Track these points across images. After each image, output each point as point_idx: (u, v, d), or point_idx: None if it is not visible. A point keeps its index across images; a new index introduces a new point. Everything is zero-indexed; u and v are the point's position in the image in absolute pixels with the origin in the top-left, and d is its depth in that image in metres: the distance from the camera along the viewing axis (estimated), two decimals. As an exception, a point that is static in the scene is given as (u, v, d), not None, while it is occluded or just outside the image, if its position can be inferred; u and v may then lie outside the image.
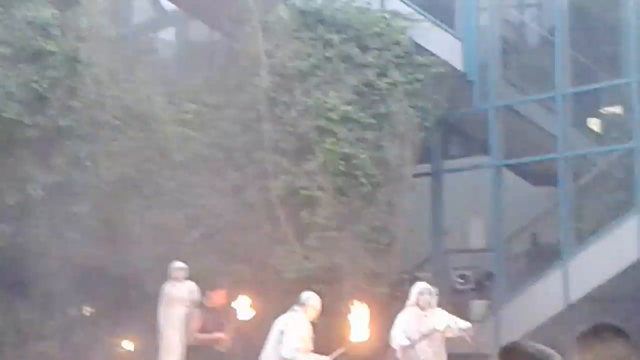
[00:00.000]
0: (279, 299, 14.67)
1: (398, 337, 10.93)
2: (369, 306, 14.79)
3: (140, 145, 14.21)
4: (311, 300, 10.53)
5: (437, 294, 11.26)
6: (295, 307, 10.44)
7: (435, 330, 10.78)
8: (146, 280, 13.35)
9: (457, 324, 11.05)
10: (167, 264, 13.14)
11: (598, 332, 3.19)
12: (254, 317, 14.45)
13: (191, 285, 13.16)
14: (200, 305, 11.17)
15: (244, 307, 11.19)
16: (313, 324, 10.41)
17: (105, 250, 13.63)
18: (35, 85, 13.36)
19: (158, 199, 14.21)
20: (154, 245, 13.86)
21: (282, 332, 10.34)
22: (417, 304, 11.04)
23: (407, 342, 10.82)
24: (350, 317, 9.75)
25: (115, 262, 13.48)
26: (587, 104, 17.51)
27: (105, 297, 14.17)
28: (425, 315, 10.97)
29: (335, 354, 10.40)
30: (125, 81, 14.42)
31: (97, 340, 13.81)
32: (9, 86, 13.17)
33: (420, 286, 11.31)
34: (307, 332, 10.31)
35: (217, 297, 11.20)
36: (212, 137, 15.08)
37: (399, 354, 11.01)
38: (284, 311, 14.70)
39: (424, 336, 10.81)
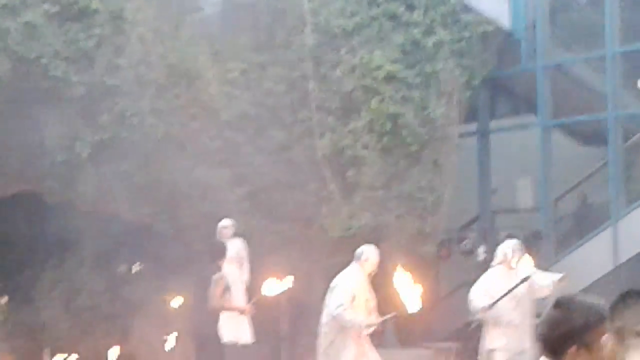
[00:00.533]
0: (325, 257, 14.69)
1: (477, 298, 10.47)
2: (415, 265, 14.78)
3: (185, 104, 14.19)
4: (366, 253, 10.39)
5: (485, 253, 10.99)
6: (353, 262, 10.36)
7: (522, 282, 10.22)
8: (193, 238, 13.38)
9: (551, 278, 10.59)
10: (214, 222, 13.16)
11: (625, 299, 3.20)
12: (300, 276, 14.50)
13: (239, 243, 13.18)
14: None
15: (271, 283, 11.09)
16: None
17: (152, 208, 13.70)
18: (81, 44, 13.38)
19: (204, 157, 14.21)
20: (201, 203, 13.89)
21: (332, 289, 10.26)
22: (505, 262, 10.56)
23: (485, 304, 10.35)
24: (396, 284, 9.55)
25: (163, 220, 13.54)
26: (637, 62, 17.21)
27: (153, 254, 14.27)
28: (516, 275, 10.45)
29: (385, 317, 10.31)
30: (171, 39, 14.38)
31: (145, 296, 13.93)
32: (55, 44, 13.20)
33: (509, 243, 10.81)
34: (359, 286, 10.19)
35: None
36: (258, 95, 15.02)
37: (479, 316, 10.52)
38: (330, 269, 14.74)
39: (509, 292, 10.26)
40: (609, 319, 3.20)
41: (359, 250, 10.50)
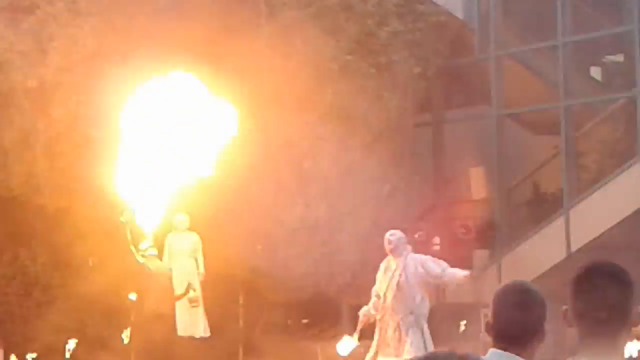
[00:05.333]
0: (281, 248, 14.74)
1: None
2: (371, 256, 14.87)
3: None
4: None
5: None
6: None
7: None
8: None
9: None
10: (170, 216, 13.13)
11: (591, 278, 3.02)
12: (258, 267, 14.53)
13: (193, 236, 13.19)
14: None
15: None
16: None
17: (108, 202, 13.59)
18: (34, 36, 13.23)
19: (160, 150, 14.13)
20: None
21: None
22: None
23: None
24: None
25: (119, 214, 13.44)
26: (589, 52, 17.42)
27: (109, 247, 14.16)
28: None
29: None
30: (125, 31, 14.27)
31: (102, 290, 13.86)
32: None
33: None
34: (380, 272, 10.13)
35: None
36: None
37: None
38: (287, 260, 14.80)
39: None
40: (571, 297, 3.01)
41: None
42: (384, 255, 15.49)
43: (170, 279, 10.75)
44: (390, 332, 10.17)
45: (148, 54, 14.29)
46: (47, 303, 13.67)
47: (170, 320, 10.67)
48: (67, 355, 12.36)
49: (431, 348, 9.96)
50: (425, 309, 10.40)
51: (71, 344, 12.40)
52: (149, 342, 10.85)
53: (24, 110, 13.15)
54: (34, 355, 12.90)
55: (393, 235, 10.38)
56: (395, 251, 10.36)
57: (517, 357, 3.38)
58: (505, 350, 3.42)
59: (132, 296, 12.06)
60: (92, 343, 13.37)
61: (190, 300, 11.16)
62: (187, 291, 10.94)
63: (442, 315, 13.07)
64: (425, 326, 10.33)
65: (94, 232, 13.00)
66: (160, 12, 15.10)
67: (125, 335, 12.35)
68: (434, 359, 1.97)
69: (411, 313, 10.23)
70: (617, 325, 2.98)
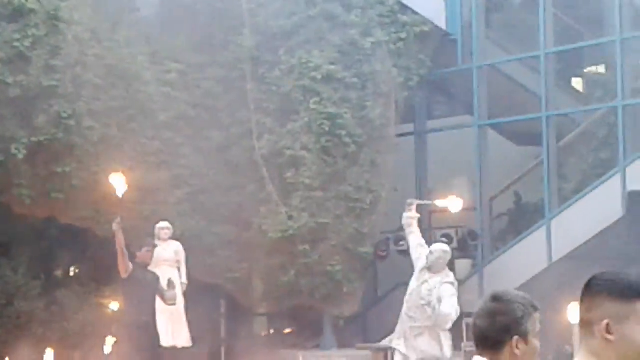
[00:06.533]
0: (264, 258, 14.75)
1: None
2: (354, 266, 14.91)
3: (123, 105, 14.10)
4: None
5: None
6: None
7: None
8: (131, 241, 13.30)
9: None
10: (152, 224, 13.11)
11: (612, 287, 2.96)
12: (240, 276, 14.54)
13: (176, 245, 13.16)
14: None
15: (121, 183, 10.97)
16: None
17: (90, 211, 13.57)
18: (17, 44, 13.19)
19: (142, 158, 14.14)
20: (140, 206, 13.81)
21: None
22: None
23: None
24: None
25: (100, 223, 13.42)
26: (570, 63, 17.54)
27: (91, 257, 14.15)
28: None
29: None
30: (108, 40, 14.27)
31: (83, 300, 13.83)
32: (-10, 45, 13.01)
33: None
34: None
35: (143, 257, 11.07)
36: (196, 96, 15.00)
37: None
38: (269, 270, 14.81)
39: None
40: (582, 304, 2.98)
41: None
42: (367, 266, 15.58)
43: (152, 286, 10.70)
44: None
45: (132, 62, 14.33)
46: (28, 313, 13.61)
47: (152, 329, 10.61)
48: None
49: None
50: None
51: (49, 354, 12.30)
52: (130, 352, 10.81)
53: (6, 119, 13.09)
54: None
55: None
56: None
57: None
58: (481, 355, 3.45)
59: (114, 306, 12.04)
60: (73, 353, 13.34)
61: (167, 299, 11.05)
62: (168, 288, 10.91)
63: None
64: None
65: (76, 241, 12.97)
66: (143, 21, 15.11)
67: (107, 346, 12.33)
68: None
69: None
70: None
